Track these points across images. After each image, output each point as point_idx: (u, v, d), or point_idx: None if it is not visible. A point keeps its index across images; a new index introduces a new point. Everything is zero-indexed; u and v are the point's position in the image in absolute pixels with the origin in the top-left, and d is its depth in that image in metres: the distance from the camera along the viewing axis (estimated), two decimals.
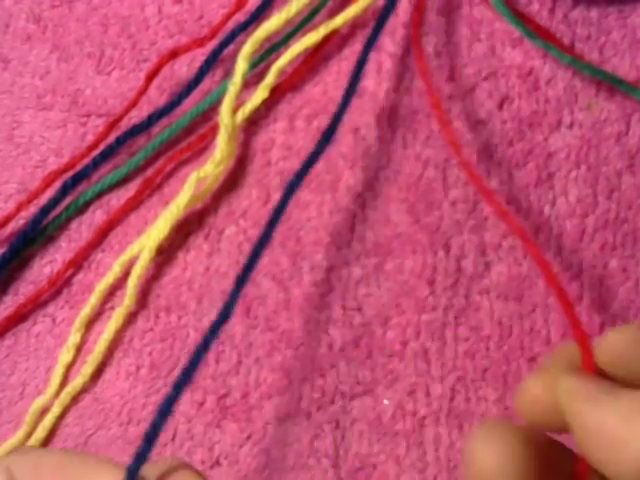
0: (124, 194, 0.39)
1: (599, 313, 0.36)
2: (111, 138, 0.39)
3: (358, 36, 0.40)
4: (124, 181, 0.39)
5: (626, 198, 0.37)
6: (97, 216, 0.39)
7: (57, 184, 0.39)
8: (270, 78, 0.38)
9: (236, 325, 0.37)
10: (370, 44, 0.36)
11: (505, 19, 0.38)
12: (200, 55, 0.39)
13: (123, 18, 0.41)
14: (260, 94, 0.38)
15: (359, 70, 0.36)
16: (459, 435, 0.36)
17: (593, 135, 0.38)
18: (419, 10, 0.38)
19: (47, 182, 0.39)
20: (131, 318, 0.38)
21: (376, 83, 0.39)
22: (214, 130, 0.39)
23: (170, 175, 0.39)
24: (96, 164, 0.39)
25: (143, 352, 0.37)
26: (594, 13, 0.38)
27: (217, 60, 0.39)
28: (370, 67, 0.39)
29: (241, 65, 0.36)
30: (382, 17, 0.37)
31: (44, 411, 0.37)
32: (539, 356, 0.36)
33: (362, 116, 0.39)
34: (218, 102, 0.39)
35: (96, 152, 0.39)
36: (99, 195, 0.39)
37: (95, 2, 0.41)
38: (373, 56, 0.39)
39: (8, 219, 0.39)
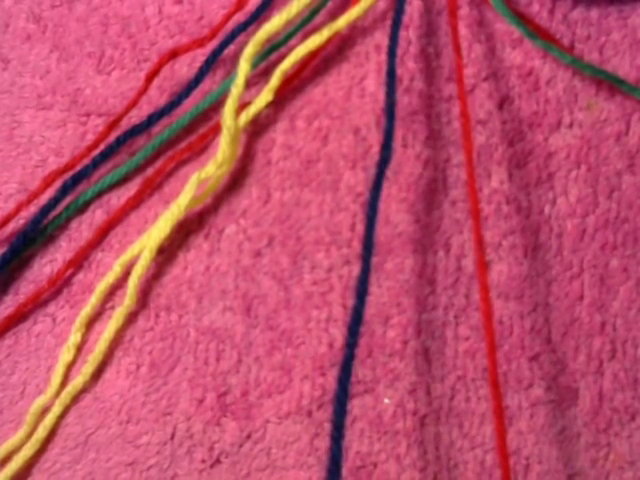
0: (124, 194, 0.39)
1: (600, 313, 0.36)
2: (111, 138, 0.39)
3: (358, 37, 0.40)
4: (124, 181, 0.39)
5: (626, 198, 0.37)
6: (97, 216, 0.39)
7: (57, 184, 0.39)
8: (274, 81, 0.37)
9: (236, 324, 0.37)
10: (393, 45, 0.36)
11: (505, 19, 0.38)
12: (200, 55, 0.39)
13: (123, 18, 0.41)
14: (264, 97, 0.38)
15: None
16: (459, 434, 0.36)
17: (593, 135, 0.38)
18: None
19: (47, 182, 0.39)
20: (131, 317, 0.38)
21: (376, 83, 0.39)
22: (214, 130, 0.39)
23: (170, 175, 0.39)
24: (96, 164, 0.39)
25: (143, 351, 0.37)
26: (594, 13, 0.39)
27: (217, 60, 0.39)
28: (370, 67, 0.39)
29: (243, 67, 0.36)
30: (397, 17, 0.37)
31: (45, 410, 0.37)
32: (540, 356, 0.36)
33: (362, 116, 0.39)
34: (218, 102, 0.39)
35: (96, 152, 0.39)
36: (99, 195, 0.39)
37: (95, 2, 0.41)
38: (373, 56, 0.39)
39: (8, 219, 0.39)
